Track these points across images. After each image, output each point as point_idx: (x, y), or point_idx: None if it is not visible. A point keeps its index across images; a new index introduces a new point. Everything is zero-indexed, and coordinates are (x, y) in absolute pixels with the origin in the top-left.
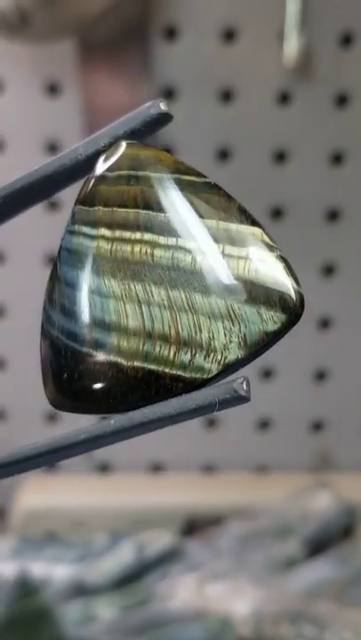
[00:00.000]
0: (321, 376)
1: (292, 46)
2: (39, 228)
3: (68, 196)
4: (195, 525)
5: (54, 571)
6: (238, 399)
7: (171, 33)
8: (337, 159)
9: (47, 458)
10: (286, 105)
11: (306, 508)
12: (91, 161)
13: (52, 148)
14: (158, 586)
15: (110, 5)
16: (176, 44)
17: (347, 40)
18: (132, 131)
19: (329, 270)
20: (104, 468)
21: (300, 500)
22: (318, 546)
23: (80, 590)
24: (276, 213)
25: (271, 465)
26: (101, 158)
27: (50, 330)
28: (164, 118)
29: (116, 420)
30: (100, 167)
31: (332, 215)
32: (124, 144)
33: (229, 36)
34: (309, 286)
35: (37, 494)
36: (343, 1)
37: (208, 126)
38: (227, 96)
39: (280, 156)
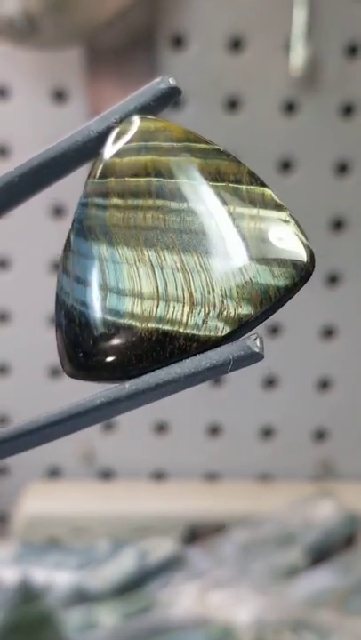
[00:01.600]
0: (324, 385)
1: (298, 56)
2: (44, 235)
3: (74, 201)
4: (197, 533)
5: (56, 577)
6: (252, 356)
7: (178, 42)
8: (342, 169)
9: (63, 426)
10: (292, 114)
11: (308, 516)
12: (102, 137)
13: None
14: (160, 593)
15: (118, 13)
16: (183, 53)
17: (353, 50)
18: (143, 106)
19: (333, 279)
20: (106, 475)
21: (303, 508)
22: (321, 554)
23: (82, 597)
24: None
25: (274, 473)
26: (113, 133)
27: (65, 299)
28: (173, 92)
29: (130, 384)
30: (112, 141)
31: (337, 225)
32: (134, 118)
33: (236, 45)
34: (313, 295)
35: (40, 500)
36: (349, 12)
37: (214, 135)
38: (233, 105)
39: (285, 165)
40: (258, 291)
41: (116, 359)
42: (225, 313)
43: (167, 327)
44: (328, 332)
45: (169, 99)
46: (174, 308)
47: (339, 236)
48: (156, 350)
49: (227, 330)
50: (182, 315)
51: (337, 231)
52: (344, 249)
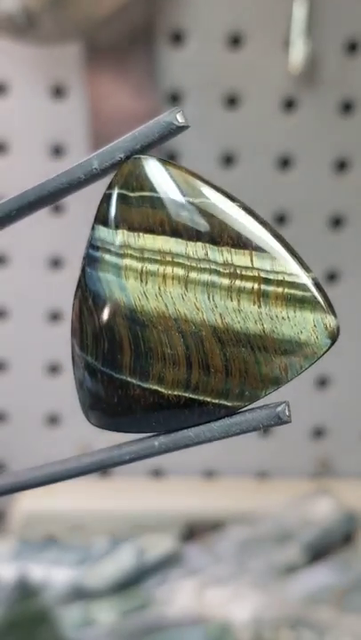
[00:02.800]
0: (322, 383)
1: (297, 53)
2: (42, 231)
3: (72, 198)
4: (195, 530)
5: (54, 574)
6: (281, 423)
7: (177, 38)
8: (341, 166)
9: (89, 471)
10: (291, 111)
11: (306, 514)
12: (105, 173)
13: (57, 150)
14: (158, 590)
15: (117, 10)
16: (182, 50)
17: (352, 47)
18: (149, 144)
19: (332, 277)
20: (104, 472)
21: (301, 506)
22: (318, 552)
23: (79, 594)
24: (280, 219)
25: (272, 471)
26: (119, 174)
27: (83, 355)
28: (180, 130)
29: (160, 443)
30: (119, 184)
31: (336, 222)
32: (143, 160)
33: (235, 41)
34: None
35: (37, 497)
36: (349, 9)
37: (213, 132)
38: (232, 102)
39: (284, 162)
40: (286, 366)
41: (143, 417)
42: (254, 385)
43: (195, 396)
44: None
45: (175, 134)
46: (202, 376)
47: (338, 233)
48: (184, 414)
49: (254, 399)
50: (210, 384)
51: (336, 228)
52: (343, 246)
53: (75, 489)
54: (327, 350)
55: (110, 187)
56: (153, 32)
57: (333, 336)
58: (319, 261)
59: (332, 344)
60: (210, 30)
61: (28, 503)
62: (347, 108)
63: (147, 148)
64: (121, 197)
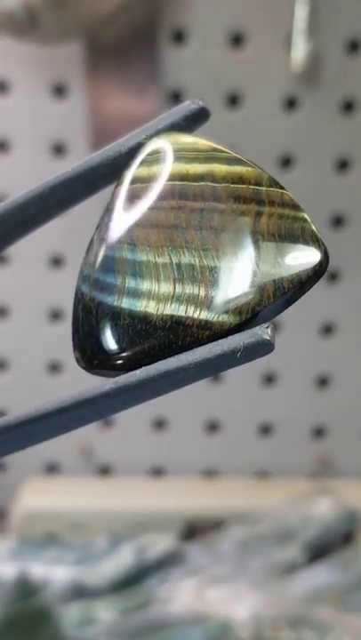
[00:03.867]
0: (323, 382)
1: (299, 52)
2: (43, 230)
3: None
4: (195, 529)
5: (54, 572)
6: (263, 344)
7: (179, 37)
8: (343, 165)
9: (70, 415)
10: (293, 111)
11: (306, 513)
12: (132, 153)
13: (58, 149)
14: (158, 589)
15: (119, 8)
16: (184, 49)
17: (354, 47)
18: (172, 124)
19: (333, 276)
20: (105, 472)
21: (301, 505)
22: (319, 551)
23: (80, 592)
24: None
25: (272, 470)
26: (142, 148)
27: (84, 292)
28: (202, 113)
29: (141, 371)
30: (140, 154)
31: (337, 221)
32: (163, 134)
33: (237, 40)
34: (312, 292)
35: (37, 496)
36: (352, 8)
37: (214, 131)
38: (233, 101)
39: (286, 162)
40: (272, 282)
41: (131, 352)
42: (238, 302)
43: (181, 314)
44: (328, 329)
45: (198, 119)
46: (189, 295)
47: (339, 232)
48: (169, 339)
49: (239, 319)
50: (197, 302)
51: (337, 228)
52: (344, 246)
53: (75, 488)
54: (314, 278)
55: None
56: (154, 31)
57: (320, 264)
58: None
59: (318, 273)
60: (212, 29)
61: (28, 501)
62: (348, 107)
63: (170, 129)
64: (138, 162)
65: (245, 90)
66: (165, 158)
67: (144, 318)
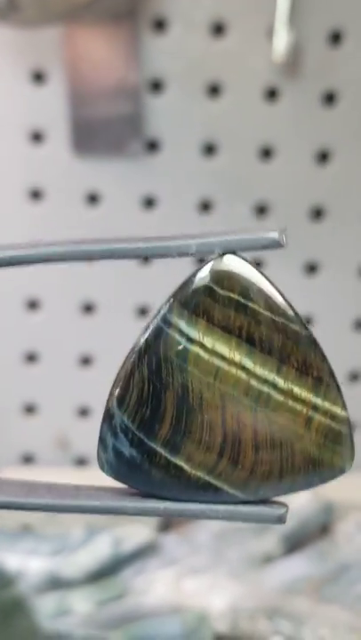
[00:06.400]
0: None
1: (281, 42)
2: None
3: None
4: (171, 521)
5: (29, 563)
6: (277, 522)
7: (159, 25)
8: (323, 157)
9: (88, 508)
10: (274, 101)
11: None
12: (198, 257)
13: (37, 136)
14: (135, 580)
15: None
16: (164, 37)
17: (336, 38)
18: (245, 250)
19: (312, 268)
20: (81, 462)
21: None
22: (296, 542)
23: (55, 583)
24: (261, 210)
25: None
26: (212, 266)
27: (120, 413)
28: (275, 245)
29: (165, 507)
30: (211, 275)
31: (317, 213)
32: (239, 264)
33: (218, 29)
34: (293, 284)
35: None
36: None
37: (194, 120)
38: (214, 90)
39: (266, 152)
40: (304, 481)
41: (159, 483)
42: (269, 486)
43: (216, 484)
44: (307, 321)
45: (268, 249)
46: (226, 467)
47: (318, 224)
48: (198, 493)
49: (264, 499)
50: (233, 482)
51: (317, 219)
52: (323, 237)
53: (51, 478)
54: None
55: (199, 272)
56: (135, 18)
57: (344, 469)
58: (300, 252)
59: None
60: (193, 18)
61: None
62: (329, 98)
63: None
64: (209, 290)
65: (226, 79)
66: (237, 307)
67: (179, 468)
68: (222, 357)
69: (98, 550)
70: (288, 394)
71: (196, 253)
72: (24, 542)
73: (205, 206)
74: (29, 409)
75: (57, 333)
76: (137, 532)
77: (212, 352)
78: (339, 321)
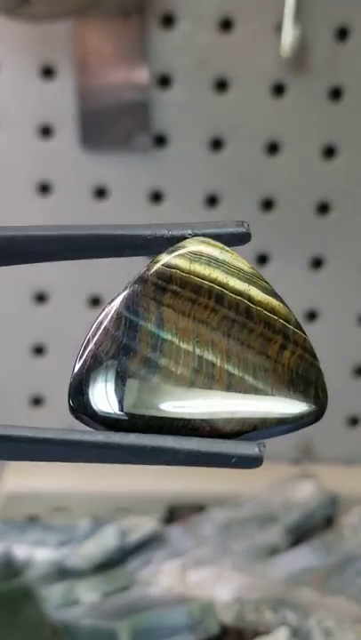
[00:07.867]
0: None
1: (287, 37)
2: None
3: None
4: (178, 513)
5: (36, 554)
6: (255, 459)
7: (168, 20)
8: (329, 152)
9: (52, 448)
10: (280, 96)
11: (289, 497)
12: (173, 241)
13: (46, 130)
14: (141, 572)
15: None
16: (172, 32)
17: (343, 33)
18: (217, 235)
19: (318, 262)
20: None
21: (284, 489)
22: (301, 535)
23: (62, 574)
24: (267, 204)
25: None
26: (187, 240)
27: (102, 357)
28: (244, 238)
29: (137, 436)
30: (185, 245)
31: (323, 208)
32: (210, 240)
33: (226, 25)
34: (298, 278)
35: (20, 478)
36: None
37: (202, 115)
38: (221, 85)
39: (272, 147)
40: (279, 414)
41: (128, 416)
42: (245, 415)
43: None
44: (312, 315)
45: (238, 241)
46: (201, 394)
47: (324, 218)
48: (173, 426)
49: (240, 429)
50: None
51: (323, 214)
52: (329, 232)
53: (58, 470)
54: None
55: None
56: (144, 13)
57: (319, 409)
58: (305, 246)
59: (318, 416)
60: (200, 13)
61: (11, 483)
62: (336, 93)
63: (213, 239)
64: (182, 252)
65: (233, 74)
66: (209, 262)
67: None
68: (194, 300)
69: (104, 541)
70: (264, 305)
71: (172, 234)
72: (31, 533)
73: (212, 200)
74: (37, 401)
75: (64, 325)
76: (143, 523)
77: (184, 296)
78: (344, 315)
